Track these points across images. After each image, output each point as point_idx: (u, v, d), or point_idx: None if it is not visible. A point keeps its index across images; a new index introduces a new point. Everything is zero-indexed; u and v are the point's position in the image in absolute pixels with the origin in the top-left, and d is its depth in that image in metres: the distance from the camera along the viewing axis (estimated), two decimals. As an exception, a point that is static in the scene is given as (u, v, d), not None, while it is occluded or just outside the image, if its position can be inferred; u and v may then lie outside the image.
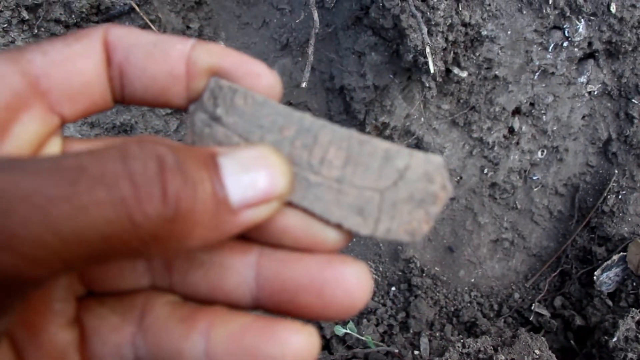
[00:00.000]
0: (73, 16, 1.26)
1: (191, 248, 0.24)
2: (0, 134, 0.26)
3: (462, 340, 1.25)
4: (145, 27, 1.32)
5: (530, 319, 1.49)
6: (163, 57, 0.29)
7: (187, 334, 0.27)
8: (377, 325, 1.46)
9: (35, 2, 1.22)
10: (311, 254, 0.28)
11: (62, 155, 0.22)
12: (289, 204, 0.29)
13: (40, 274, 0.21)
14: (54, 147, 0.29)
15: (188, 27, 1.39)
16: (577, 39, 1.37)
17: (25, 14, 1.22)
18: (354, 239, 1.54)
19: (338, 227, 0.29)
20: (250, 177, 0.26)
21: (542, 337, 1.29)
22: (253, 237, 0.29)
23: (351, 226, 0.29)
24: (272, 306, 0.29)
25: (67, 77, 0.28)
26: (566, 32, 1.37)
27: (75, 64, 0.28)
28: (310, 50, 1.05)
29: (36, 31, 1.25)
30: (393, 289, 1.52)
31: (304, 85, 0.98)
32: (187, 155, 0.24)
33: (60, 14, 1.25)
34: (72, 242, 0.21)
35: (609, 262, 1.42)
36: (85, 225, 0.21)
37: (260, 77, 0.30)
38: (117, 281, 0.31)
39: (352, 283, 0.27)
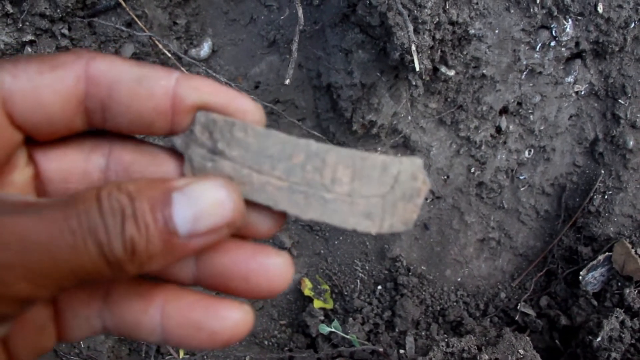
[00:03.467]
0: (58, 10, 1.25)
1: (153, 270, 0.30)
2: None
3: (446, 340, 1.24)
4: (131, 22, 1.31)
5: (516, 318, 1.49)
6: (148, 94, 0.31)
7: (146, 308, 0.33)
8: (362, 324, 1.46)
9: (19, -5, 1.20)
10: (241, 246, 0.34)
11: (55, 205, 0.28)
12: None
13: (40, 295, 0.28)
14: (20, 158, 0.33)
15: (175, 23, 1.38)
16: (565, 38, 1.37)
17: (9, 8, 1.21)
18: (340, 237, 1.53)
19: (346, 228, 0.35)
20: (196, 212, 0.30)
21: (527, 337, 1.29)
22: None
23: (363, 229, 0.34)
24: (210, 286, 0.34)
25: (31, 107, 0.30)
26: (554, 31, 1.37)
27: (41, 96, 0.30)
28: (294, 47, 1.04)
29: (21, 25, 1.24)
30: (379, 287, 1.52)
31: (287, 82, 0.98)
32: (143, 199, 0.29)
33: (45, 8, 1.24)
34: (65, 270, 0.27)
35: (594, 262, 1.43)
36: (75, 260, 0.28)
37: (247, 114, 0.33)
38: None
39: (273, 272, 0.33)
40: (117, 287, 0.34)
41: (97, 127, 0.33)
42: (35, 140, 0.33)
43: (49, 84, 0.30)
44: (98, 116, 0.32)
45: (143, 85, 0.31)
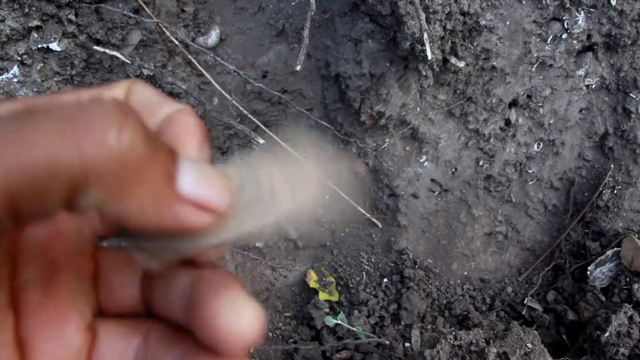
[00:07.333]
0: (65, -4, 1.24)
1: (131, 207, 0.23)
2: None
3: (454, 333, 1.23)
4: (138, 9, 1.30)
5: (523, 313, 1.48)
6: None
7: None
8: (368, 316, 1.45)
9: (26, -21, 1.19)
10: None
11: None
12: None
13: None
14: None
15: (183, 11, 1.36)
16: (577, 31, 1.36)
17: (15, -8, 1.20)
18: (346, 230, 1.52)
19: None
20: (203, 177, 0.25)
21: (535, 331, 1.28)
22: None
23: None
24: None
25: None
26: (565, 24, 1.35)
27: None
28: (306, 32, 1.03)
29: (27, 10, 1.23)
30: (385, 280, 1.51)
31: (298, 68, 0.96)
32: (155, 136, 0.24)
33: (52, -7, 1.23)
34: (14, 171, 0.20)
35: (602, 257, 1.42)
36: (30, 153, 0.20)
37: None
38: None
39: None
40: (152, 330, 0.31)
41: None
42: None
43: None
44: None
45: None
